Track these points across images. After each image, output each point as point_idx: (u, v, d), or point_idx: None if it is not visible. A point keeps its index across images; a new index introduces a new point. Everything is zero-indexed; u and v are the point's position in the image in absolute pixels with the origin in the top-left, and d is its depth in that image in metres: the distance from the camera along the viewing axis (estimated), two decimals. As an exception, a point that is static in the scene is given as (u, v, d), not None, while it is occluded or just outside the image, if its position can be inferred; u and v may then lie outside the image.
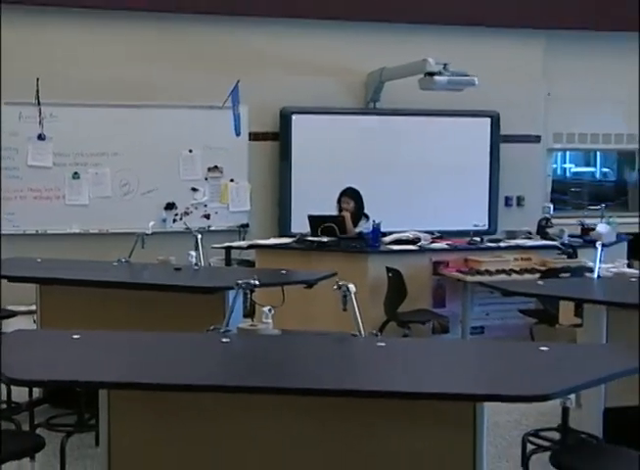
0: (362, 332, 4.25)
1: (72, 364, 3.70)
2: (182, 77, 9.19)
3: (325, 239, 7.92)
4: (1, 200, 8.83)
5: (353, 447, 3.61)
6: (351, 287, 4.22)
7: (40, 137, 8.91)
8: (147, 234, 6.89)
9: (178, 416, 3.65)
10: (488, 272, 7.64)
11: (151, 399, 3.62)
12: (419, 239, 8.16)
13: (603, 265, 6.70)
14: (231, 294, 4.78)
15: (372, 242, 7.87)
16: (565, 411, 5.07)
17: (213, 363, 3.81)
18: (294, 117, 9.51)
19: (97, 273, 6.20)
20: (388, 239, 8.10)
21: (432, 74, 8.43)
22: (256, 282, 4.54)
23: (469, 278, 7.59)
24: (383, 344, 4.10)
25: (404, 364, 3.85)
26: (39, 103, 8.79)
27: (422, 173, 9.81)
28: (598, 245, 6.29)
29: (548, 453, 3.95)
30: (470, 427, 3.56)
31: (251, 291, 4.58)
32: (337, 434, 3.61)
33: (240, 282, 4.52)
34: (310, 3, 9.31)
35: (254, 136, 9.55)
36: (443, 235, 8.51)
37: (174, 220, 9.32)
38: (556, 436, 5.28)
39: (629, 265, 7.98)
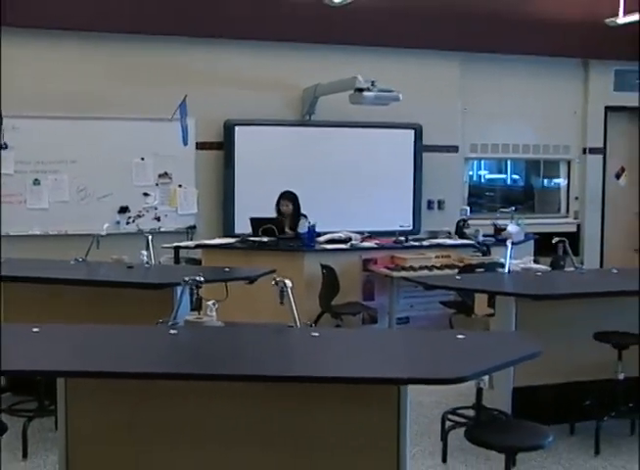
0: (298, 323, 4.26)
1: (33, 355, 3.65)
2: (134, 92, 9.10)
3: (265, 239, 7.92)
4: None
5: (291, 428, 3.62)
6: (288, 282, 4.23)
7: (3, 147, 8.76)
8: (102, 235, 6.83)
9: (130, 402, 3.63)
10: (412, 268, 7.70)
11: (105, 386, 3.60)
12: (350, 239, 8.19)
13: (513, 261, 6.79)
14: (179, 289, 4.76)
15: (308, 241, 7.88)
16: (479, 391, 5.15)
17: (162, 353, 3.79)
18: (236, 128, 9.47)
19: (56, 272, 6.13)
20: (322, 239, 8.12)
21: (361, 90, 8.45)
22: (202, 279, 4.53)
23: (395, 274, 7.64)
24: (317, 334, 4.11)
25: (336, 352, 3.88)
26: (1, 115, 8.64)
27: (353, 179, 9.82)
28: (508, 243, 6.38)
29: (464, 429, 4.00)
30: (394, 407, 3.60)
31: (197, 286, 4.56)
32: (276, 416, 3.62)
33: (186, 279, 4.51)
34: (251, 26, 9.28)
35: (201, 145, 9.49)
36: (372, 235, 8.56)
37: (127, 223, 9.22)
38: (471, 413, 5.34)
39: (536, 261, 8.10)
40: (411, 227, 9.74)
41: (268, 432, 3.62)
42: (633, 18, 9.46)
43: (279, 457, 3.60)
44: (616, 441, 5.38)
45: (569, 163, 11.39)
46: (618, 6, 9.23)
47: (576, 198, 11.37)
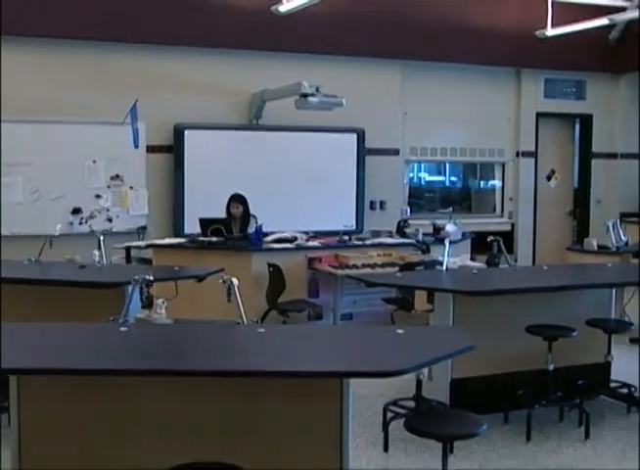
0: (245, 320, 4.25)
1: (-15, 353, 3.59)
2: (87, 97, 8.99)
3: (214, 239, 7.89)
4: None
5: (237, 421, 3.61)
6: (235, 281, 4.22)
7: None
8: (55, 236, 6.75)
9: (81, 398, 3.59)
10: (356, 266, 7.72)
11: (56, 383, 3.55)
12: (296, 238, 8.19)
13: (450, 259, 6.85)
14: (130, 288, 4.72)
15: (255, 241, 7.87)
16: (418, 383, 5.19)
17: (112, 350, 3.75)
18: (186, 132, 9.41)
19: (9, 271, 6.01)
20: (269, 238, 8.11)
21: (306, 96, 8.46)
22: (151, 277, 4.49)
23: (339, 272, 7.65)
24: (262, 330, 4.10)
25: (282, 347, 3.87)
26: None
27: (299, 181, 9.83)
28: (446, 242, 6.43)
29: (404, 419, 4.02)
30: (337, 400, 3.61)
31: (148, 285, 4.53)
32: (222, 410, 3.61)
33: (136, 277, 4.47)
34: (201, 33, 9.24)
35: (151, 149, 9.40)
36: (317, 235, 8.57)
37: (80, 223, 9.11)
38: (412, 404, 5.37)
39: (472, 259, 8.19)
40: (354, 227, 9.79)
41: (215, 425, 3.61)
42: (561, 30, 9.66)
43: (225, 449, 3.58)
44: (546, 428, 5.46)
45: (503, 165, 11.54)
46: (547, 19, 9.40)
47: (510, 199, 11.52)
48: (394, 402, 5.49)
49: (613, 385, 6.15)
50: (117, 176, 9.29)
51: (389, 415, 5.29)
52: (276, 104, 9.35)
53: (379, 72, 10.26)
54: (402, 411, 5.33)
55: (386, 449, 5.08)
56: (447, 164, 11.86)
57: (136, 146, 9.15)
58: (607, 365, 6.11)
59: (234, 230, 8.13)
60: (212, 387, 3.58)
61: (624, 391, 6.06)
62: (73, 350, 3.68)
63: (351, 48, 9.91)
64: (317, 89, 8.48)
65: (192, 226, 8.50)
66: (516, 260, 10.37)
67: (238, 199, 8.31)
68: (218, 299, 4.52)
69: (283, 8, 8.40)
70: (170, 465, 3.10)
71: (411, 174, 11.42)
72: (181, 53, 9.31)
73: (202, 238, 7.93)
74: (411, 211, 9.87)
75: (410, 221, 9.10)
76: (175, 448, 3.57)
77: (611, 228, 8.71)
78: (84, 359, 3.53)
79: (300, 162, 9.84)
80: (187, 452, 3.52)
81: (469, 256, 8.29)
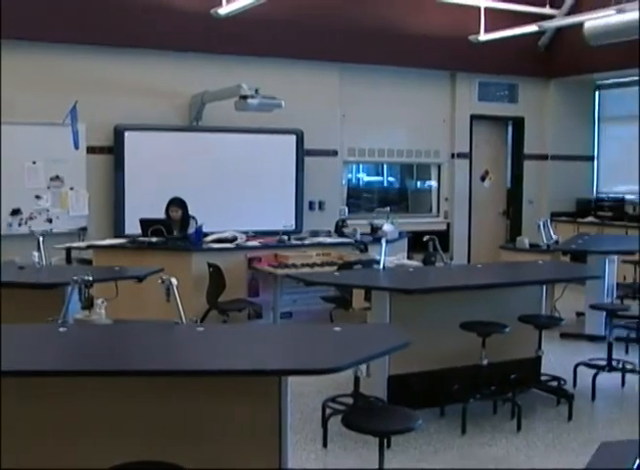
0: (184, 320, 4.22)
1: None
2: (26, 97, 8.81)
3: (154, 239, 7.82)
4: None
5: (176, 420, 3.58)
6: (173, 281, 4.19)
7: None
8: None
9: (19, 398, 3.52)
10: (295, 266, 7.71)
11: (-6, 384, 3.48)
12: (236, 238, 8.16)
13: (388, 258, 6.88)
14: (69, 289, 4.65)
15: (195, 241, 7.81)
16: (356, 380, 5.22)
17: (51, 351, 3.69)
18: (126, 133, 9.30)
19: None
20: (209, 238, 8.06)
21: (245, 98, 8.45)
22: (90, 278, 4.43)
23: (278, 271, 7.64)
24: (201, 329, 4.08)
25: (221, 346, 3.85)
26: None
27: (239, 182, 9.79)
28: (383, 241, 6.46)
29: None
30: (276, 397, 3.60)
31: (87, 286, 4.47)
32: (161, 409, 3.58)
33: (75, 278, 4.41)
34: (141, 34, 9.14)
35: (92, 150, 9.27)
36: (257, 234, 8.56)
37: (19, 224, 8.94)
38: (350, 401, 5.40)
39: (409, 258, 8.25)
40: (294, 227, 9.77)
41: (154, 424, 3.58)
42: (493, 36, 9.81)
43: (165, 448, 3.55)
44: (480, 421, 5.53)
45: (439, 166, 11.66)
46: (480, 25, 9.54)
47: (446, 199, 11.64)
48: (333, 399, 5.50)
49: (543, 378, 6.27)
50: (58, 177, 9.14)
51: (328, 412, 5.30)
52: (216, 105, 9.30)
53: (318, 75, 10.28)
54: (341, 408, 5.34)
55: (325, 445, 5.09)
56: (385, 165, 11.94)
57: (76, 147, 8.99)
58: (538, 360, 6.22)
59: (174, 231, 8.06)
60: (151, 386, 3.54)
61: (554, 384, 6.19)
62: (12, 351, 3.60)
63: (290, 50, 9.91)
64: (256, 91, 8.47)
65: (132, 227, 8.41)
66: (451, 259, 10.50)
67: (177, 203, 8.26)
68: (159, 299, 4.48)
69: (222, 10, 8.37)
70: (111, 465, 3.06)
71: (349, 175, 11.47)
72: (121, 54, 9.20)
73: (142, 238, 7.86)
74: (349, 212, 9.89)
75: (348, 221, 9.13)
76: (115, 448, 3.52)
77: (542, 227, 8.87)
78: (22, 360, 3.46)
79: (240, 162, 9.81)
80: (127, 452, 3.48)
81: (406, 254, 8.36)
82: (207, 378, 3.51)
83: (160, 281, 4.25)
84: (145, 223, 7.93)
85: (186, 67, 9.55)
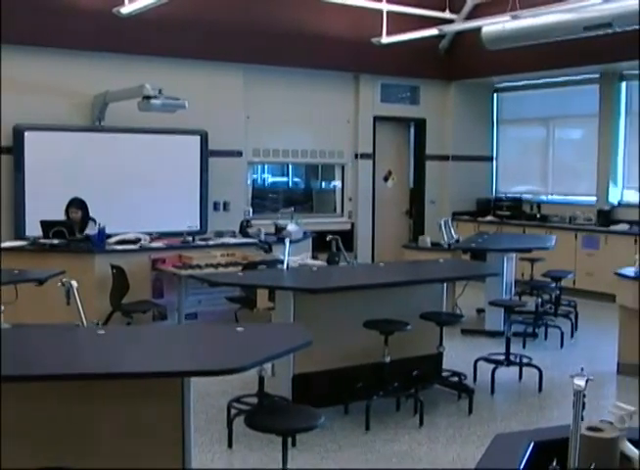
0: (84, 322, 4.15)
1: None
2: None
3: (56, 241, 7.65)
4: None
5: (78, 423, 3.52)
6: (74, 283, 4.12)
7: None
8: None
9: None
10: (199, 267, 7.65)
11: None
12: (139, 239, 8.06)
13: (292, 258, 6.92)
14: (-36, 293, 4.51)
15: (98, 243, 7.68)
16: (261, 380, 5.23)
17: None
18: (26, 133, 9.05)
19: None
20: (112, 240, 7.94)
21: (148, 98, 8.35)
22: (-15, 282, 4.31)
23: (183, 272, 7.57)
24: (102, 332, 4.01)
25: (122, 349, 3.80)
26: None
27: (143, 183, 9.65)
28: (287, 241, 6.49)
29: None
30: (178, 399, 3.58)
31: (-17, 290, 4.34)
32: (63, 413, 3.51)
33: (-30, 282, 4.28)
34: (42, 33, 8.91)
35: (-10, 150, 9.03)
36: (161, 235, 8.47)
37: None
38: (255, 401, 5.39)
39: (314, 257, 8.30)
40: (198, 228, 9.71)
41: (55, 428, 3.50)
42: (395, 38, 9.96)
43: (67, 453, 3.49)
44: (384, 417, 5.61)
45: (343, 167, 11.75)
46: (382, 27, 9.67)
47: (350, 199, 11.75)
48: (238, 399, 5.49)
49: (445, 374, 6.40)
50: (-46, 178, 8.85)
51: (233, 412, 5.29)
52: (119, 106, 9.15)
53: (222, 76, 10.23)
54: (246, 408, 5.34)
55: (230, 446, 5.08)
56: (290, 166, 11.97)
57: (-27, 147, 8.73)
58: (439, 356, 6.35)
59: (76, 232, 7.91)
60: (52, 391, 3.47)
61: (455, 379, 6.32)
62: None
63: (194, 51, 9.84)
64: (160, 91, 8.39)
65: (33, 229, 8.19)
66: (356, 258, 10.67)
67: (76, 203, 8.10)
68: (61, 302, 4.39)
69: (125, 10, 8.25)
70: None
71: (255, 176, 11.45)
72: (21, 52, 8.94)
73: (43, 240, 7.68)
74: (255, 212, 9.88)
75: (253, 222, 9.12)
76: (14, 454, 3.44)
77: (443, 226, 9.05)
78: None
79: (144, 163, 9.68)
80: (28, 458, 3.40)
81: (310, 254, 8.40)
82: (108, 381, 3.45)
83: (59, 284, 4.16)
84: (46, 225, 7.76)
85: (88, 66, 9.36)
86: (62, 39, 9.06)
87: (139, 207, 9.50)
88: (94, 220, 8.02)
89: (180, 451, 3.60)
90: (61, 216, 8.02)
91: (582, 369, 2.39)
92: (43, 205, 8.71)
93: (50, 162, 9.16)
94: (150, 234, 8.27)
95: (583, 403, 2.30)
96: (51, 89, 9.23)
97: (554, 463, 2.34)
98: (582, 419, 2.32)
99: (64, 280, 4.16)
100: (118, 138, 9.59)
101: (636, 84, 10.68)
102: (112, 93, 9.13)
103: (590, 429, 2.42)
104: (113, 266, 7.29)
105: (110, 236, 7.91)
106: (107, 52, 9.35)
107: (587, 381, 2.32)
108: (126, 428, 3.56)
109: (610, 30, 8.86)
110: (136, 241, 8.00)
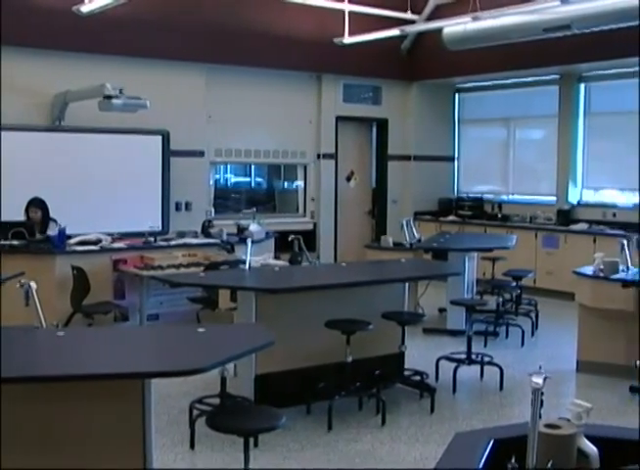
0: (44, 324, 4.11)
1: None
2: None
3: (15, 242, 7.56)
4: None
5: (37, 426, 3.48)
6: (33, 284, 4.07)
7: None
8: None
9: None
10: (161, 267, 7.61)
11: None
12: (101, 240, 8.00)
13: (254, 258, 6.91)
14: None
15: (58, 244, 7.60)
16: (223, 381, 5.21)
17: None
18: (-16, 132, 8.95)
19: None
20: (73, 241, 7.87)
21: (109, 98, 8.28)
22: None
23: (144, 273, 7.52)
24: (62, 333, 3.97)
25: (82, 350, 3.77)
26: None
27: (104, 183, 9.55)
28: (248, 241, 6.47)
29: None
30: (139, 400, 3.56)
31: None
32: (22, 416, 3.47)
33: None
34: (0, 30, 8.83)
35: (-54, 150, 8.88)
36: (123, 236, 8.41)
37: None
38: (218, 401, 5.38)
39: (277, 258, 8.30)
40: (160, 228, 9.62)
41: (14, 430, 3.46)
42: (357, 39, 9.99)
43: (26, 455, 3.45)
44: (346, 417, 5.62)
45: (305, 167, 11.75)
46: (344, 27, 9.70)
47: (312, 199, 11.75)
48: (200, 400, 5.47)
49: (407, 373, 6.43)
50: None
51: (195, 413, 5.27)
52: (79, 105, 9.06)
53: (183, 75, 10.18)
54: (208, 409, 5.32)
55: (192, 447, 5.06)
56: (252, 166, 11.95)
57: None
58: (401, 355, 6.38)
59: (36, 233, 7.82)
60: (10, 393, 3.42)
61: (417, 378, 6.35)
62: None
63: (156, 50, 9.77)
64: (121, 91, 8.32)
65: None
66: (318, 258, 10.68)
67: (36, 203, 8.02)
68: (20, 303, 4.34)
69: (85, 8, 8.16)
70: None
71: (217, 176, 11.42)
72: (-22, 51, 8.83)
73: (2, 241, 7.58)
74: (217, 212, 9.86)
75: (215, 222, 9.10)
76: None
77: (405, 226, 9.09)
78: None
79: (105, 163, 9.59)
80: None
81: (272, 254, 8.40)
82: (68, 383, 3.42)
83: (18, 286, 4.11)
84: (5, 226, 7.67)
85: (48, 65, 9.25)
86: (21, 38, 8.93)
87: (100, 207, 9.40)
88: (54, 221, 7.94)
89: (141, 452, 3.58)
90: (20, 217, 7.93)
91: (540, 367, 2.42)
92: (2, 205, 8.60)
93: (9, 161, 9.01)
94: (111, 235, 8.20)
95: (541, 401, 2.32)
96: (10, 88, 9.08)
97: (512, 460, 2.36)
98: (540, 417, 2.35)
99: (22, 281, 4.11)
100: (79, 138, 9.50)
101: (595, 85, 10.85)
102: (72, 92, 9.04)
103: (548, 426, 2.45)
104: (73, 267, 7.22)
105: (70, 237, 7.83)
106: (67, 51, 9.25)
107: (545, 379, 2.34)
108: (86, 429, 3.53)
109: (569, 32, 8.97)
110: (97, 242, 7.94)
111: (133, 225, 9.02)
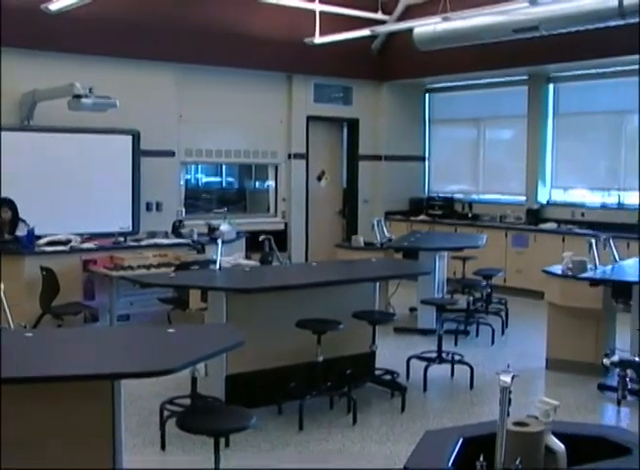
0: (11, 325, 4.07)
1: None
2: None
3: (-18, 243, 7.49)
4: None
5: (7, 426, 3.44)
6: (0, 285, 4.03)
7: None
8: None
9: None
10: (131, 268, 7.59)
11: None
12: (70, 240, 7.95)
13: (225, 258, 6.89)
14: None
15: (27, 244, 7.54)
16: (194, 381, 5.19)
17: None
18: (-50, 132, 8.84)
19: None
20: (42, 241, 7.82)
21: (79, 97, 8.23)
22: None
23: (114, 273, 7.48)
24: (30, 334, 3.94)
25: (51, 351, 3.74)
26: None
27: (73, 183, 9.46)
28: (219, 241, 6.46)
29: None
30: (109, 401, 3.54)
31: None
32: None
33: None
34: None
35: None
36: (93, 236, 8.35)
37: None
38: (189, 402, 5.36)
39: (248, 257, 8.29)
40: (130, 228, 9.56)
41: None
42: (328, 39, 10.01)
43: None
44: (317, 416, 5.62)
45: (276, 167, 11.74)
46: (315, 27, 9.71)
47: (284, 199, 11.74)
48: (171, 401, 5.45)
49: (378, 372, 6.45)
50: None
51: (166, 414, 5.25)
52: (48, 105, 8.98)
53: (153, 75, 10.12)
54: (179, 409, 5.30)
55: (163, 447, 5.04)
56: (223, 166, 11.91)
57: None
58: (372, 354, 6.39)
59: (5, 233, 7.74)
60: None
61: (388, 377, 6.38)
62: None
63: (126, 50, 9.71)
64: (90, 90, 8.27)
65: (-41, 230, 8.00)
66: (289, 258, 10.68)
67: (6, 203, 7.94)
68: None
69: (54, 6, 8.11)
70: None
71: (188, 176, 11.37)
72: (-56, 50, 8.73)
73: (-31, 242, 7.51)
74: (188, 212, 9.82)
75: (186, 222, 9.07)
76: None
77: (376, 226, 9.12)
78: None
79: (74, 163, 9.51)
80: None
81: (243, 254, 8.39)
82: (36, 385, 3.39)
83: (-16, 287, 4.08)
84: (-28, 226, 7.59)
85: (16, 63, 9.15)
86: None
87: (70, 207, 9.33)
88: (23, 221, 7.87)
89: (110, 453, 3.56)
90: (-12, 218, 7.86)
91: (509, 366, 2.44)
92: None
93: (-24, 162, 8.93)
94: (81, 235, 8.15)
95: (510, 399, 2.35)
96: (-23, 87, 9.01)
97: (481, 458, 2.38)
98: (509, 415, 2.37)
99: (-10, 283, 4.08)
100: (48, 137, 9.41)
101: (563, 86, 10.95)
102: (40, 92, 8.96)
103: (516, 424, 2.47)
104: (42, 268, 7.16)
105: (39, 237, 7.78)
106: (35, 49, 9.16)
107: (513, 377, 2.36)
108: (56, 430, 3.50)
109: (537, 33, 9.04)
110: (67, 242, 7.88)
111: (103, 225, 8.96)
